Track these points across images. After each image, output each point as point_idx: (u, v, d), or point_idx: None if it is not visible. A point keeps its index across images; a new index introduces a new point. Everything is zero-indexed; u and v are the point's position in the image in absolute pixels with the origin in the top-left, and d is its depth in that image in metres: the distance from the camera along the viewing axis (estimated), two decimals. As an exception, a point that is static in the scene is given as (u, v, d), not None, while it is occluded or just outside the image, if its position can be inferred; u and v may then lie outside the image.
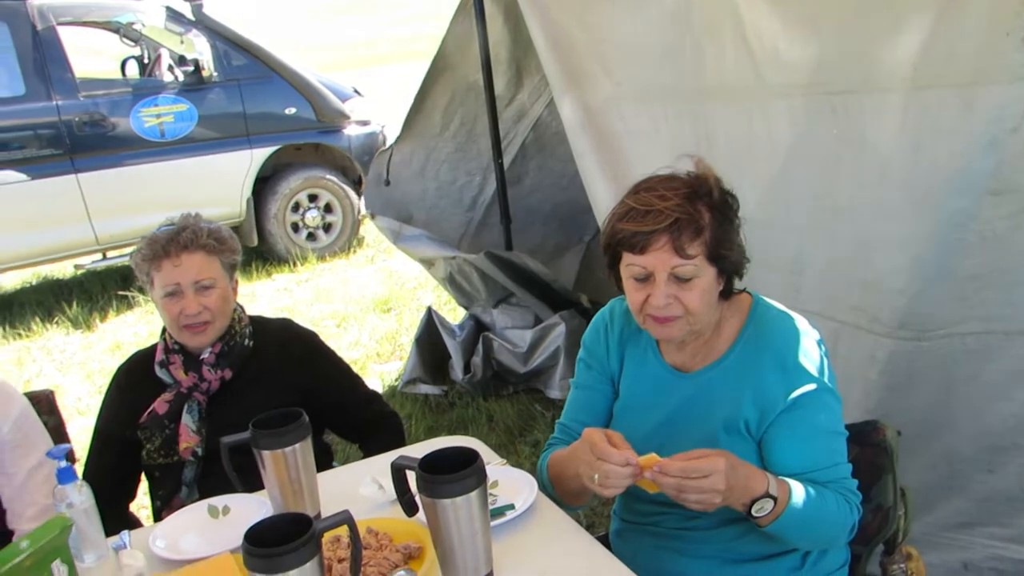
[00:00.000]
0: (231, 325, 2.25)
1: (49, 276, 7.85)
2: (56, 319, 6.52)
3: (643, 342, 1.86)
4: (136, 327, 6.29)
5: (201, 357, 2.22)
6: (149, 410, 2.22)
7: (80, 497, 1.73)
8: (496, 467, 1.88)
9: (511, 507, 1.70)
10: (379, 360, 5.19)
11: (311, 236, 7.53)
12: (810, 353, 1.70)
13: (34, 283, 7.81)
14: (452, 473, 1.45)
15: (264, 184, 7.25)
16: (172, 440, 2.19)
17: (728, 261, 1.69)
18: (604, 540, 1.82)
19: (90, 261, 7.08)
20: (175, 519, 1.86)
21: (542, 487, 1.82)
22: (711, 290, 1.69)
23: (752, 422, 1.70)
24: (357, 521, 1.44)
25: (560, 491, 1.81)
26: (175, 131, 6.92)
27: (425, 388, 4.55)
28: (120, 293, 6.82)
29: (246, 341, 2.27)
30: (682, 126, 2.87)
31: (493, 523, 1.60)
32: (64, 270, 7.80)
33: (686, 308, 1.66)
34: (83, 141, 6.60)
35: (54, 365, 5.72)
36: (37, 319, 6.53)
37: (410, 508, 1.58)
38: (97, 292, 7.06)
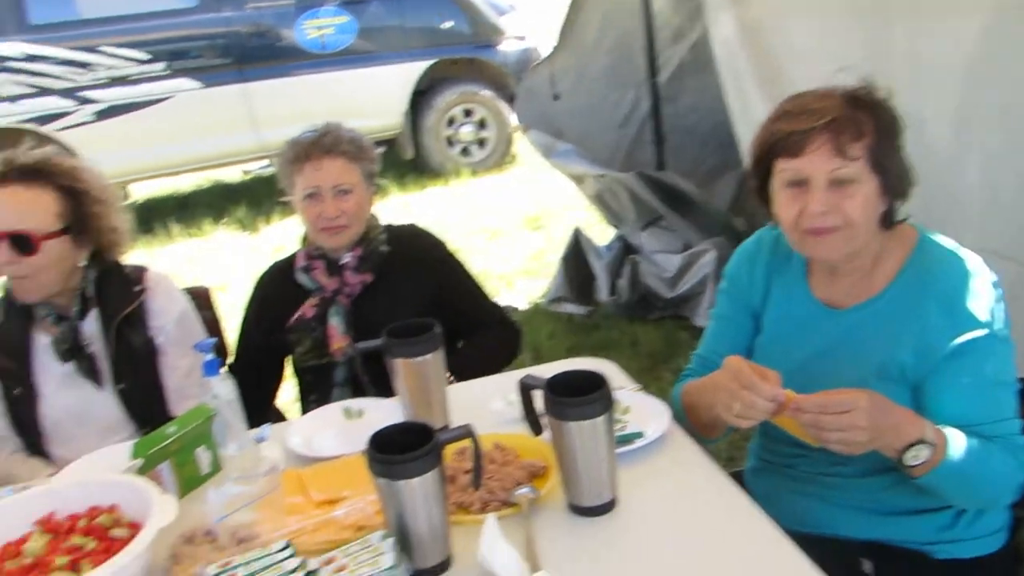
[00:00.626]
0: (367, 231, 2.30)
1: (220, 180, 8.24)
2: (225, 220, 6.85)
3: (791, 274, 1.74)
4: (299, 230, 6.51)
5: (342, 262, 2.27)
6: (297, 314, 2.29)
7: (224, 389, 1.80)
8: (630, 392, 1.83)
9: (639, 435, 1.66)
10: (527, 276, 5.20)
11: (465, 151, 7.57)
12: (981, 296, 1.54)
13: (206, 186, 8.22)
14: (578, 396, 1.41)
15: (420, 98, 7.31)
16: (322, 342, 2.26)
17: (891, 175, 1.54)
18: (739, 477, 1.75)
19: (257, 167, 7.39)
20: (312, 418, 1.92)
21: (675, 417, 1.76)
22: (872, 203, 1.54)
23: (909, 367, 1.56)
24: (485, 436, 1.45)
25: (693, 421, 1.75)
26: (335, 43, 7.04)
27: (569, 307, 4.53)
28: (282, 200, 7.07)
29: (382, 247, 2.31)
30: (851, 43, 2.65)
31: (620, 450, 1.56)
32: (233, 175, 8.16)
33: (846, 218, 1.52)
34: (251, 52, 6.82)
35: (222, 263, 6.03)
36: (209, 220, 6.89)
37: (535, 427, 1.56)
38: (263, 196, 7.36)
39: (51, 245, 1.99)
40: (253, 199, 7.33)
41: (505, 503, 1.50)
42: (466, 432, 1.37)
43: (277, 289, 2.37)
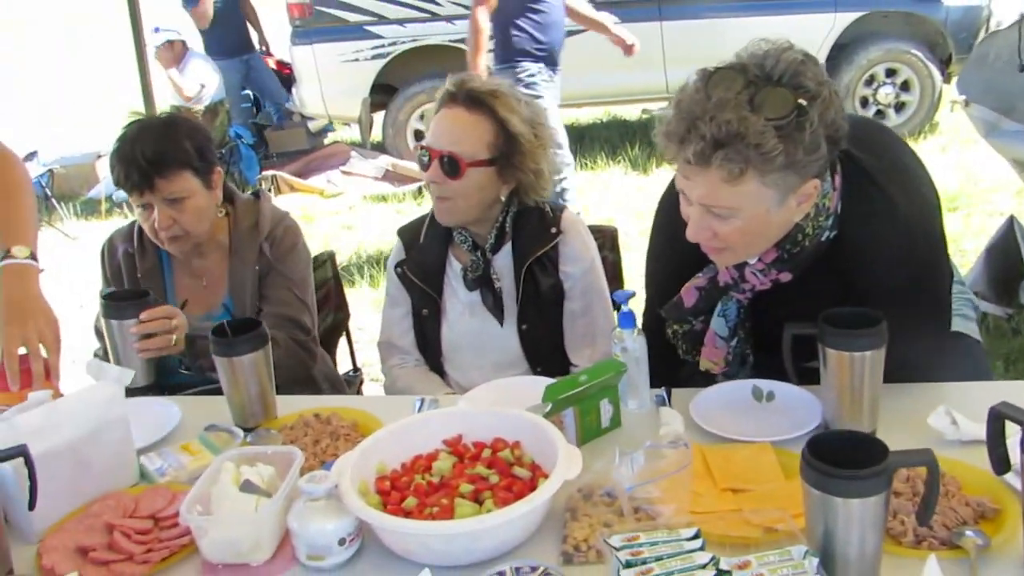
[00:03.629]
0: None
1: (618, 116, 8.32)
2: (619, 158, 6.91)
3: None
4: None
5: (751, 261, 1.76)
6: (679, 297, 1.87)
7: (635, 344, 1.74)
8: None
9: None
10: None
11: (879, 113, 6.95)
12: None
13: (604, 120, 8.35)
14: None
15: (839, 52, 6.79)
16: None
17: None
18: None
19: (657, 108, 7.33)
20: (718, 391, 1.78)
21: None
22: None
23: None
24: None
25: None
26: (761, -14, 6.72)
27: (986, 306, 3.99)
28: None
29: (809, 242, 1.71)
30: None
31: None
32: (631, 112, 8.20)
33: None
34: (674, -11, 6.72)
35: (612, 199, 6.10)
36: (603, 155, 6.98)
37: (1001, 465, 1.30)
38: (656, 138, 7.33)
39: (476, 172, 2.02)
40: (648, 139, 7.31)
41: (944, 543, 1.28)
42: (927, 460, 1.17)
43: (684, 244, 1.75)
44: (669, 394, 1.79)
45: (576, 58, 6.73)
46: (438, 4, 6.79)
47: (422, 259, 2.21)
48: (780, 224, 1.64)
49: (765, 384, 1.75)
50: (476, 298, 2.16)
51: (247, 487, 1.45)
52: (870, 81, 6.86)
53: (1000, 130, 4.09)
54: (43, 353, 1.75)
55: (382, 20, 6.83)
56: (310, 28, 6.90)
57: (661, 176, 6.46)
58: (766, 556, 1.18)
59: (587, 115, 8.37)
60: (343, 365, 2.70)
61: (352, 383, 2.63)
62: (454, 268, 2.19)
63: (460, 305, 2.19)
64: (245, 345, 1.79)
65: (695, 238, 1.64)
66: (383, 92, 7.05)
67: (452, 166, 2.01)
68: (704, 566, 1.17)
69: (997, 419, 1.27)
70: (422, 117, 6.92)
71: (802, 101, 1.50)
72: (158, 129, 2.18)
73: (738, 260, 1.72)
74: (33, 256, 1.85)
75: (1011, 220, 4.09)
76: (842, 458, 1.17)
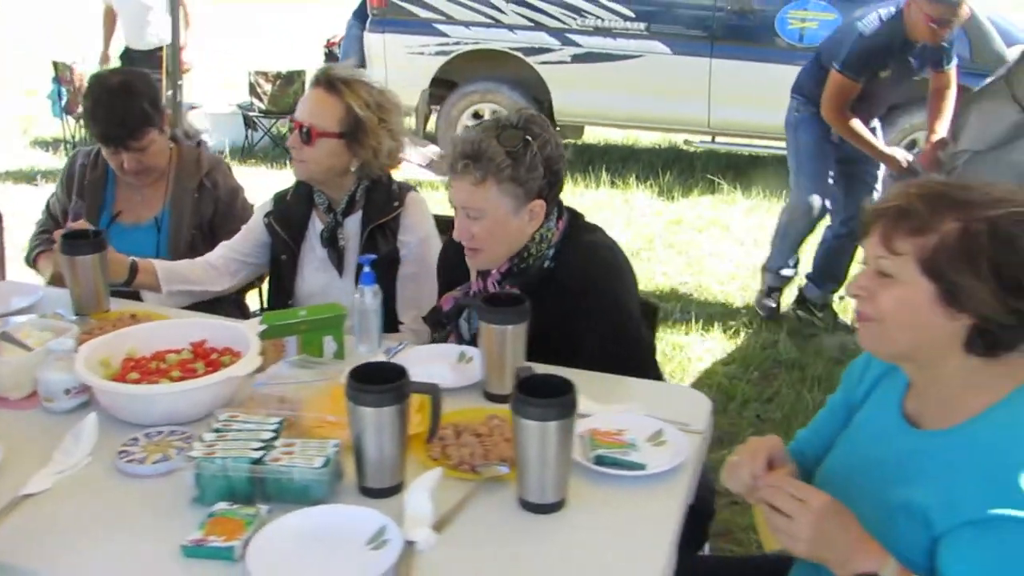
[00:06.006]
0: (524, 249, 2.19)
1: (674, 143, 8.61)
2: (649, 183, 7.22)
3: (896, 381, 1.60)
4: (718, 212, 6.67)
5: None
6: (442, 301, 2.33)
7: (370, 299, 2.15)
8: (679, 430, 1.81)
9: (640, 466, 1.67)
10: None
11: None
12: None
13: (650, 145, 8.65)
14: (542, 397, 1.51)
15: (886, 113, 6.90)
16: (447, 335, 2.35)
17: (959, 290, 1.36)
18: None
19: (698, 140, 7.61)
20: (431, 350, 2.17)
21: None
22: (916, 307, 1.40)
23: (931, 513, 1.39)
24: (488, 409, 1.68)
25: None
26: (813, 38, 6.88)
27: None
28: (711, 177, 7.26)
29: (545, 263, 2.19)
30: None
31: (608, 470, 1.65)
32: (673, 140, 8.49)
33: (877, 310, 1.43)
34: (727, 29, 6.97)
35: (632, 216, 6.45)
36: (634, 176, 7.31)
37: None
38: (694, 170, 7.59)
39: (325, 142, 2.46)
40: (682, 168, 7.61)
41: (473, 468, 1.65)
42: (431, 389, 1.55)
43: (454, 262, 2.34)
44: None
45: (635, 81, 7.11)
46: (502, 12, 7.25)
47: (288, 214, 2.66)
48: (516, 232, 2.12)
49: (469, 349, 2.14)
50: (325, 255, 2.60)
51: (18, 344, 1.95)
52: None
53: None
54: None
55: (449, 20, 7.34)
56: (385, 18, 7.47)
57: (683, 204, 6.75)
58: (309, 442, 1.59)
59: (648, 138, 8.70)
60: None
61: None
62: (316, 228, 2.64)
63: (316, 261, 2.63)
64: (86, 248, 2.29)
65: (459, 237, 2.14)
66: (442, 86, 7.56)
67: (306, 135, 2.46)
68: (263, 440, 1.59)
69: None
70: (475, 115, 7.40)
71: (528, 137, 2.05)
72: (121, 97, 2.76)
73: (487, 263, 2.17)
74: None
75: None
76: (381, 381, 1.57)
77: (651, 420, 1.82)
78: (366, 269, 2.15)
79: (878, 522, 1.42)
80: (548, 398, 1.51)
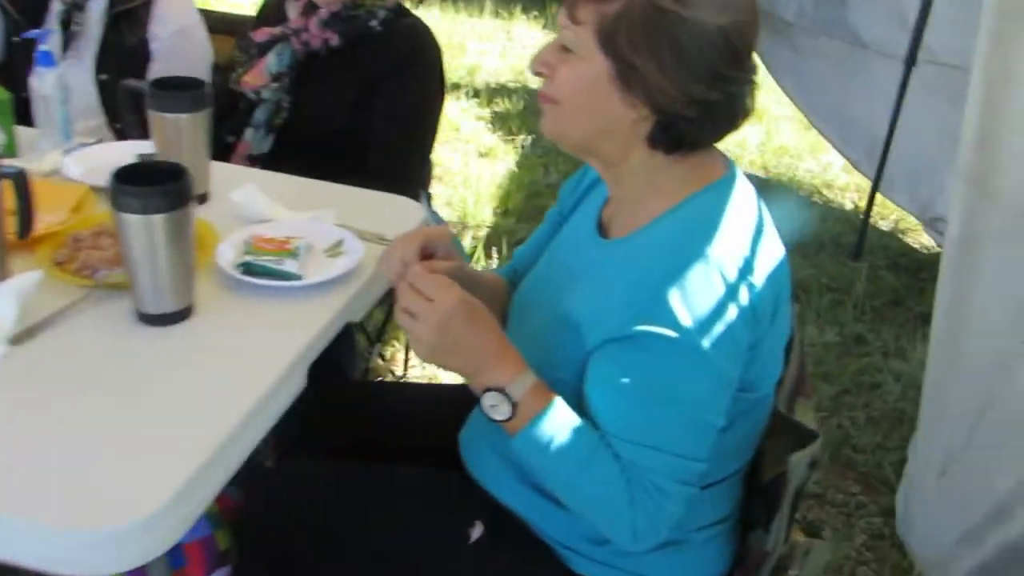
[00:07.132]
0: None
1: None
2: (534, 14, 6.79)
3: (602, 191, 1.37)
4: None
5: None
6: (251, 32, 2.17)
7: (43, 83, 1.84)
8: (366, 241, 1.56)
9: (296, 277, 1.43)
10: None
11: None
12: (704, 290, 1.10)
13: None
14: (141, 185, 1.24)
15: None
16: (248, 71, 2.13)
17: (636, 73, 1.13)
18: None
19: None
20: (120, 147, 1.87)
21: None
22: (593, 88, 1.17)
23: (583, 327, 1.19)
24: None
25: None
26: None
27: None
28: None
29: (372, 22, 2.08)
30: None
31: (261, 281, 1.42)
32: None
33: (556, 89, 1.20)
34: None
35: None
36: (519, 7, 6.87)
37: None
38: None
39: None
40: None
41: (93, 276, 1.40)
42: (13, 173, 1.26)
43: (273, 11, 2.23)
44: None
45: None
46: None
47: None
48: None
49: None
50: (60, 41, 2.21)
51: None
52: None
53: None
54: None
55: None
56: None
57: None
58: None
59: None
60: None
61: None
62: (56, 8, 2.23)
63: (54, 43, 2.24)
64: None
65: None
66: None
67: None
68: None
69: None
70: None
71: None
72: None
73: None
74: None
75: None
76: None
77: (337, 229, 1.57)
78: (42, 47, 1.81)
79: (545, 335, 1.25)
80: (153, 185, 1.24)
